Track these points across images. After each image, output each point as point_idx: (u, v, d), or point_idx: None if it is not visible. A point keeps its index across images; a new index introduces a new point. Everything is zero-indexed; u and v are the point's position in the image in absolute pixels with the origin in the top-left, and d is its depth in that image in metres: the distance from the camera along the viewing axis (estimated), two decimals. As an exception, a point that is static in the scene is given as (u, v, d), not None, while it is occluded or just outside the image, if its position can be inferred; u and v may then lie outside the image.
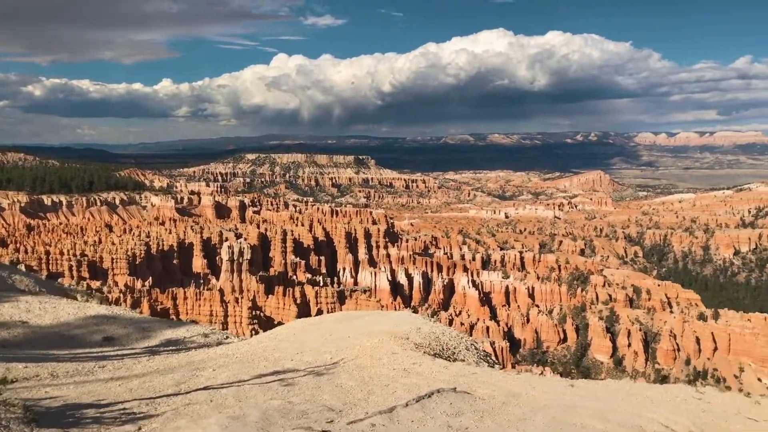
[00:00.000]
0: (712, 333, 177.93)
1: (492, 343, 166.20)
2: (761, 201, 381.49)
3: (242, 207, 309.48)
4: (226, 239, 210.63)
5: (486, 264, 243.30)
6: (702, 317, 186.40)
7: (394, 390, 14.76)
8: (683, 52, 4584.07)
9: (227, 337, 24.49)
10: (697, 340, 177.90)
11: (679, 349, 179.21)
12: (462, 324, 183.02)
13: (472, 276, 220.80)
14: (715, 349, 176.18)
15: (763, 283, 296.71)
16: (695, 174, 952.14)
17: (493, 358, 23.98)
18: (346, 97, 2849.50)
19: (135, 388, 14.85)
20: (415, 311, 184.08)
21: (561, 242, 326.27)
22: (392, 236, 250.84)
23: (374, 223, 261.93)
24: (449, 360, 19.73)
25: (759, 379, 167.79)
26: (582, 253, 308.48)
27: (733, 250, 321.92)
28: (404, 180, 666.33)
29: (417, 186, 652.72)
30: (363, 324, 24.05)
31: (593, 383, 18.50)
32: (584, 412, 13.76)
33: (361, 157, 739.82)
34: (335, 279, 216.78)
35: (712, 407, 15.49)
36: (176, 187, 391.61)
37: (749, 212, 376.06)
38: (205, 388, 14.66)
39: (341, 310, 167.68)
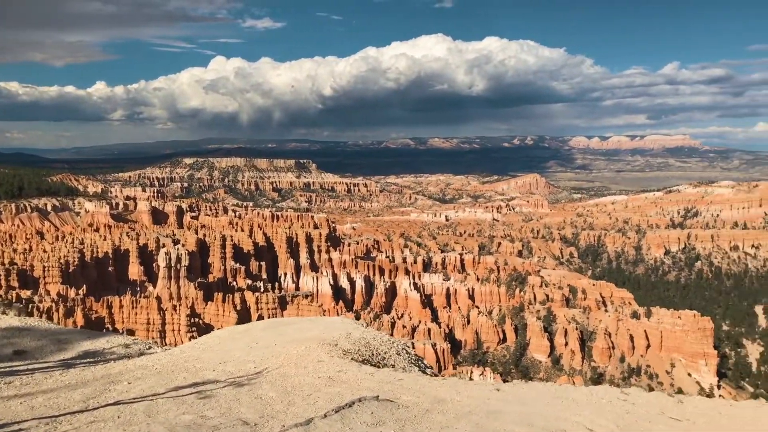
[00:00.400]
0: (645, 331, 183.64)
1: (433, 345, 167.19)
2: (689, 202, 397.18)
3: (180, 212, 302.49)
4: (164, 245, 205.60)
5: (427, 266, 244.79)
6: (635, 315, 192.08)
7: (315, 400, 14.24)
8: (614, 58, 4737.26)
9: (150, 348, 23.46)
10: (631, 338, 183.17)
11: (614, 347, 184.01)
12: (404, 326, 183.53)
13: (413, 279, 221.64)
14: (648, 346, 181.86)
15: (692, 282, 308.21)
16: (627, 176, 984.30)
17: (425, 362, 23.70)
18: (287, 101, 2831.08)
19: (38, 405, 13.87)
20: (358, 315, 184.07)
21: (500, 244, 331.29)
22: (334, 240, 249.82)
23: (316, 227, 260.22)
24: (378, 366, 19.32)
25: (689, 374, 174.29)
26: (520, 254, 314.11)
27: (664, 250, 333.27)
28: (346, 184, 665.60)
29: (359, 190, 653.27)
30: (292, 331, 23.43)
31: (519, 387, 18.36)
32: (509, 417, 13.55)
33: (302, 161, 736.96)
34: (276, 284, 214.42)
35: (636, 408, 15.54)
36: (111, 193, 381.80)
37: (678, 213, 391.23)
38: (115, 404, 13.80)
39: (283, 315, 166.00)
